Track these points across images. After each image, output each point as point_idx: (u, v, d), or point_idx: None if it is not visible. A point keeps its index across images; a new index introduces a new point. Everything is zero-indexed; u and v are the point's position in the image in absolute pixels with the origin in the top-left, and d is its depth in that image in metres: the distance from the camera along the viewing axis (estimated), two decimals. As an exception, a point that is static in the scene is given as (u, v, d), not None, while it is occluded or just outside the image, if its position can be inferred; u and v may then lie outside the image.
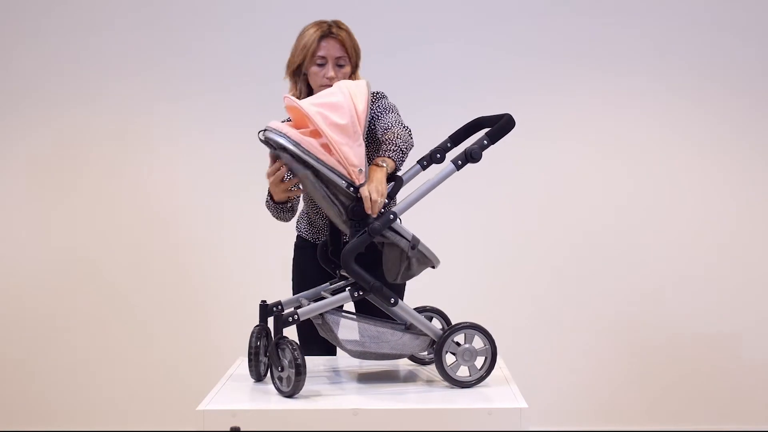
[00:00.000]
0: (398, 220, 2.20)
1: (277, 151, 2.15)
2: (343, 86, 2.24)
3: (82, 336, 4.12)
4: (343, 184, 2.14)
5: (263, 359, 2.29)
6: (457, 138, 2.39)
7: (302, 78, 2.67)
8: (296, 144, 2.11)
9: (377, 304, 2.24)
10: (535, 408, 2.15)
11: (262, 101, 4.07)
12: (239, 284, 4.11)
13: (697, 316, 4.12)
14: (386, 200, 2.17)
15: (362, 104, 2.19)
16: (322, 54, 2.62)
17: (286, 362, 2.12)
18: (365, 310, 2.47)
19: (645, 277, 4.12)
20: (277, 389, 2.15)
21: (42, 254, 4.12)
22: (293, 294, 2.81)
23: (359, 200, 2.14)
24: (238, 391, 2.22)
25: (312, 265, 2.66)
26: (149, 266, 4.13)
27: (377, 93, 2.68)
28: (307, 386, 2.25)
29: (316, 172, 2.13)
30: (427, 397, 2.13)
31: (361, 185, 2.13)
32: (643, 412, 4.11)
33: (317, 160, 2.11)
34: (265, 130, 2.16)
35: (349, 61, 2.65)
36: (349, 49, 2.64)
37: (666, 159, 4.13)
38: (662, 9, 4.11)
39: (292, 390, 2.10)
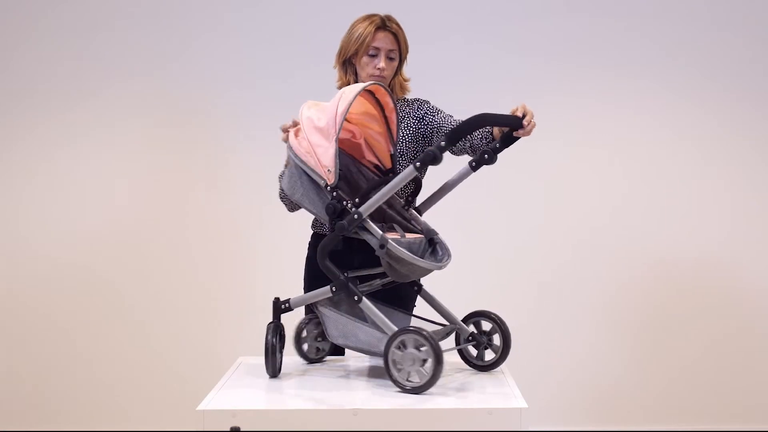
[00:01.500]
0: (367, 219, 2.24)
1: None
2: (341, 91, 2.32)
3: (82, 336, 4.12)
4: (322, 183, 2.27)
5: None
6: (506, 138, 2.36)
7: (351, 68, 2.74)
8: (289, 147, 2.33)
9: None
10: (535, 408, 2.14)
11: (263, 101, 4.09)
12: (239, 284, 4.11)
13: (698, 316, 4.12)
14: (357, 200, 2.26)
15: (343, 105, 2.25)
16: (377, 45, 2.69)
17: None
18: (394, 301, 2.49)
19: (645, 277, 4.12)
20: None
21: (42, 254, 4.12)
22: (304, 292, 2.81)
23: (333, 199, 2.26)
24: (238, 391, 2.22)
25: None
26: (149, 266, 4.13)
27: (419, 100, 2.80)
28: (308, 386, 2.25)
29: (308, 175, 2.30)
30: (427, 397, 2.13)
31: (333, 185, 2.25)
32: (644, 412, 4.11)
33: (301, 161, 2.30)
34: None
35: (399, 56, 2.73)
36: (401, 44, 2.73)
37: (666, 159, 4.13)
38: (662, 9, 4.10)
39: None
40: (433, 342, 2.10)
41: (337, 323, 2.33)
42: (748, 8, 4.10)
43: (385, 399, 2.11)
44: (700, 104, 4.12)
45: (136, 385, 4.11)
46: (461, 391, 2.17)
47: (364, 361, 2.52)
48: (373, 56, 2.69)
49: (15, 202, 4.14)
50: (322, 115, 2.28)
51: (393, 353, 2.15)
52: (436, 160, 2.19)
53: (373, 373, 2.40)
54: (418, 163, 2.21)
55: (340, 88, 2.77)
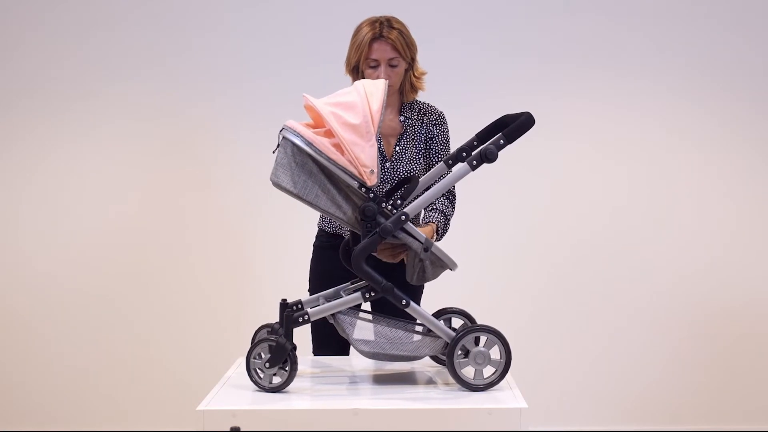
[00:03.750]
0: (410, 221, 2.18)
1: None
2: (359, 85, 2.24)
3: (81, 336, 4.11)
4: (354, 184, 2.14)
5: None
6: (483, 136, 2.32)
7: (360, 75, 2.71)
8: (309, 144, 2.11)
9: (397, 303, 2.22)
10: (535, 408, 2.14)
11: (263, 100, 4.09)
12: (239, 284, 4.11)
13: (697, 316, 4.12)
14: (399, 201, 2.19)
15: (377, 104, 2.18)
16: (375, 57, 2.66)
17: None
18: (385, 311, 2.43)
19: (645, 277, 4.12)
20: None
21: (42, 253, 4.12)
22: (309, 294, 2.79)
23: (371, 200, 2.15)
24: (238, 391, 2.21)
25: (334, 266, 2.61)
26: (149, 265, 4.13)
27: (441, 115, 2.79)
28: (309, 386, 2.25)
29: (329, 174, 2.13)
30: (427, 397, 2.13)
31: (375, 185, 2.14)
32: (644, 411, 4.11)
33: (328, 159, 2.11)
34: (282, 129, 2.15)
35: (403, 59, 2.69)
36: (401, 49, 2.68)
37: (666, 158, 4.13)
38: (662, 9, 4.10)
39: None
40: (497, 333, 2.17)
41: (367, 331, 2.26)
42: (749, 8, 4.10)
43: (385, 399, 2.11)
44: (700, 104, 4.12)
45: (136, 385, 4.11)
46: (461, 391, 2.17)
47: (364, 360, 2.52)
48: (375, 67, 2.67)
49: (14, 202, 4.13)
50: (351, 112, 2.16)
51: (459, 357, 2.16)
52: (494, 158, 2.16)
53: (373, 373, 2.40)
54: (474, 162, 2.17)
55: None
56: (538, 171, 4.12)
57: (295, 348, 2.16)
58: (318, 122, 2.25)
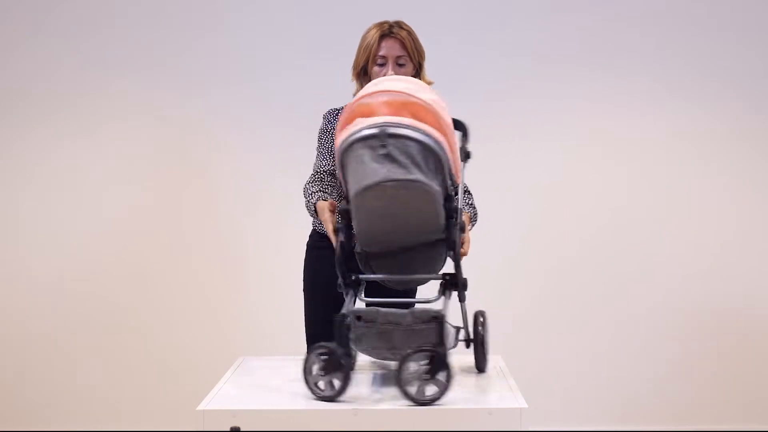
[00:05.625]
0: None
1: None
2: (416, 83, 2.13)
3: (81, 336, 4.11)
4: (451, 186, 2.13)
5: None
6: None
7: (367, 79, 2.67)
8: (437, 143, 2.04)
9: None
10: (535, 408, 2.14)
11: (262, 101, 4.09)
12: (240, 284, 4.11)
13: (697, 315, 4.12)
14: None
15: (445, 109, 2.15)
16: (383, 54, 2.65)
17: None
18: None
19: (645, 277, 4.12)
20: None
21: (42, 254, 4.12)
22: (305, 295, 2.80)
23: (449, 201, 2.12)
24: (238, 391, 2.22)
25: (323, 264, 2.62)
26: (148, 265, 4.13)
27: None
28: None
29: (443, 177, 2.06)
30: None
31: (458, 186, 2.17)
32: (644, 411, 4.11)
33: (443, 152, 2.05)
34: (384, 125, 2.00)
35: (411, 61, 2.68)
36: (409, 49, 2.66)
37: (666, 158, 4.13)
38: (662, 9, 4.10)
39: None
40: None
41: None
42: (749, 8, 4.10)
43: (385, 399, 2.11)
44: (700, 104, 4.12)
45: (136, 385, 4.11)
46: (461, 391, 2.17)
47: (364, 360, 2.52)
48: (382, 65, 2.66)
49: (12, 203, 4.13)
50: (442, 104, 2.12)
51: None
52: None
53: (373, 373, 2.40)
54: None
55: None
56: (537, 171, 4.12)
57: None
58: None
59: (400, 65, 2.67)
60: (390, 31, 2.66)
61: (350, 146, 2.05)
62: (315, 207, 2.55)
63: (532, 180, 4.12)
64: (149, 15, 4.11)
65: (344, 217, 2.19)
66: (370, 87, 2.13)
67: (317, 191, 2.60)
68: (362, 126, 2.03)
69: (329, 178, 2.69)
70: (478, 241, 4.11)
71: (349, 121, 2.08)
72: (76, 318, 4.12)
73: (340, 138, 2.09)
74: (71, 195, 4.13)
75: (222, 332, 4.08)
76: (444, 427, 2.00)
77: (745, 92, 4.11)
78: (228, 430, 1.97)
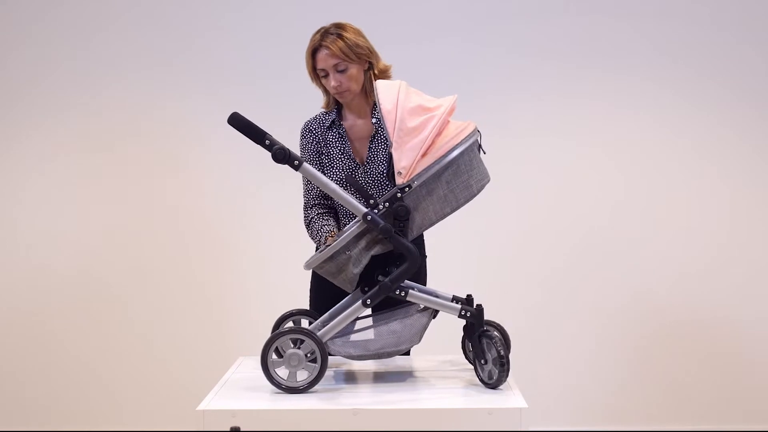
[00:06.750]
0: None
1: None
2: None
3: (81, 336, 4.11)
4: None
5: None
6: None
7: (321, 86, 2.72)
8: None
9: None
10: (535, 408, 2.14)
11: (261, 101, 4.09)
12: (239, 284, 4.11)
13: (697, 315, 4.11)
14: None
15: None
16: (320, 66, 2.64)
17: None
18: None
19: (645, 277, 4.12)
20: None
21: (43, 254, 4.12)
22: (310, 306, 2.79)
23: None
24: (238, 391, 2.22)
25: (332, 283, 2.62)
26: (148, 266, 4.13)
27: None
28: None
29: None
30: (427, 397, 2.13)
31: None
32: (644, 411, 4.11)
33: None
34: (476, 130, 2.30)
35: (351, 62, 2.63)
36: (344, 54, 2.61)
37: (666, 158, 4.13)
38: (662, 9, 4.10)
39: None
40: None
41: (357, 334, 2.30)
42: (749, 8, 4.09)
43: (385, 399, 2.11)
44: (700, 104, 4.12)
45: (136, 385, 4.11)
46: (461, 391, 2.17)
47: (364, 361, 2.52)
48: (326, 77, 2.65)
49: (11, 204, 4.14)
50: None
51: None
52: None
53: (373, 373, 2.40)
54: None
55: (326, 104, 2.76)
56: (537, 170, 4.11)
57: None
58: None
59: (341, 71, 2.63)
60: (320, 43, 2.63)
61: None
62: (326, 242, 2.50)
63: (530, 179, 4.11)
64: (149, 15, 4.11)
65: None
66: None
67: (324, 225, 2.61)
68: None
69: (322, 205, 2.70)
70: (478, 240, 4.12)
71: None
72: (76, 318, 4.12)
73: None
74: (71, 195, 4.13)
75: (222, 332, 4.08)
76: (444, 427, 2.00)
77: (745, 92, 4.10)
78: (228, 430, 1.97)
